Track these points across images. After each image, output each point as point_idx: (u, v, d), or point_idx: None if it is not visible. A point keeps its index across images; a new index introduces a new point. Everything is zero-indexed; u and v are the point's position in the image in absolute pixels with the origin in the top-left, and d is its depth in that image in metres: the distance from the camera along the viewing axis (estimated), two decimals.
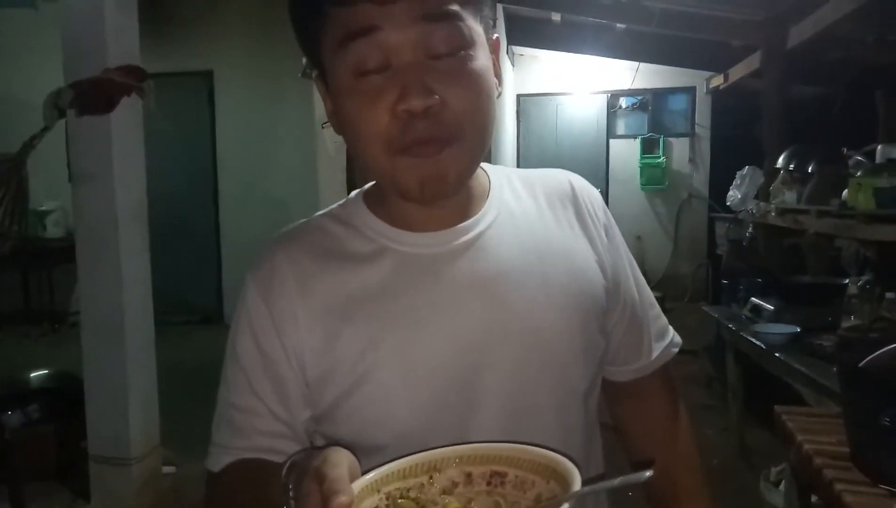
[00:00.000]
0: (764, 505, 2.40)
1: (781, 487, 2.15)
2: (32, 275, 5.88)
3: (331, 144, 2.78)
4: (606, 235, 0.82)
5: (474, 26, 0.67)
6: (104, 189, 2.40)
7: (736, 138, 5.95)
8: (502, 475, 0.55)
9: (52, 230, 5.73)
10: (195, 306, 6.02)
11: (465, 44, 0.66)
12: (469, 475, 0.55)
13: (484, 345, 0.70)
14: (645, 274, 0.89)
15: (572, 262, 0.77)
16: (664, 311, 0.90)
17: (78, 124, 2.39)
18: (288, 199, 5.53)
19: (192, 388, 3.99)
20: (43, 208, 5.68)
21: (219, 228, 6.11)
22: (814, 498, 1.67)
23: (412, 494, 0.53)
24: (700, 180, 6.65)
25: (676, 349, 0.89)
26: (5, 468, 1.91)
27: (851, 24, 3.48)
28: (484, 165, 0.81)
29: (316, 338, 0.71)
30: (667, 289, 5.88)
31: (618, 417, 0.93)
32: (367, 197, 0.79)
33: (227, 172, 6.03)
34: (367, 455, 0.68)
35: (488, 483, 0.55)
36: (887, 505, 1.17)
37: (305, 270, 0.73)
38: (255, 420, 0.72)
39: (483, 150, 0.72)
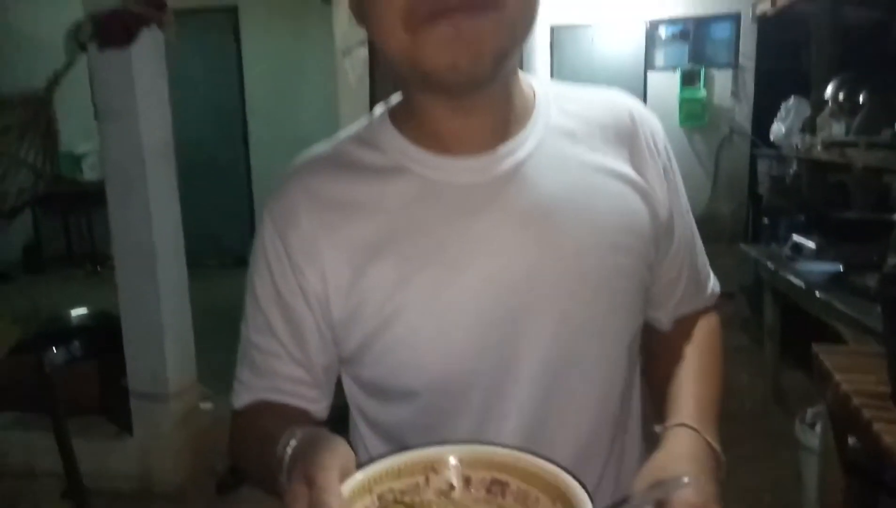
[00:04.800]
0: (799, 447, 2.36)
1: (817, 429, 2.10)
2: (73, 218, 6.02)
3: (352, 74, 2.70)
4: (665, 173, 0.73)
5: None
6: (129, 126, 2.38)
7: (783, 70, 5.65)
8: (504, 484, 0.51)
9: (90, 173, 5.80)
10: (228, 249, 6.09)
11: None
12: (468, 479, 0.51)
13: (525, 289, 0.64)
14: None
15: (624, 200, 0.69)
16: None
17: (99, 60, 2.35)
18: (320, 134, 5.49)
19: (226, 329, 4.08)
20: (79, 152, 5.75)
21: (249, 168, 6.13)
22: (851, 441, 1.63)
23: (406, 498, 0.50)
24: (743, 115, 6.37)
25: (714, 299, 0.86)
26: (48, 402, 1.98)
27: None
28: (531, 77, 0.72)
29: (342, 275, 0.66)
30: (705, 230, 5.67)
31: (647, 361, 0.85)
32: (394, 114, 0.71)
33: (256, 111, 6.01)
34: (400, 400, 0.67)
35: (488, 491, 0.51)
36: None
37: (327, 202, 0.67)
38: (275, 362, 0.69)
39: (527, 30, 0.62)
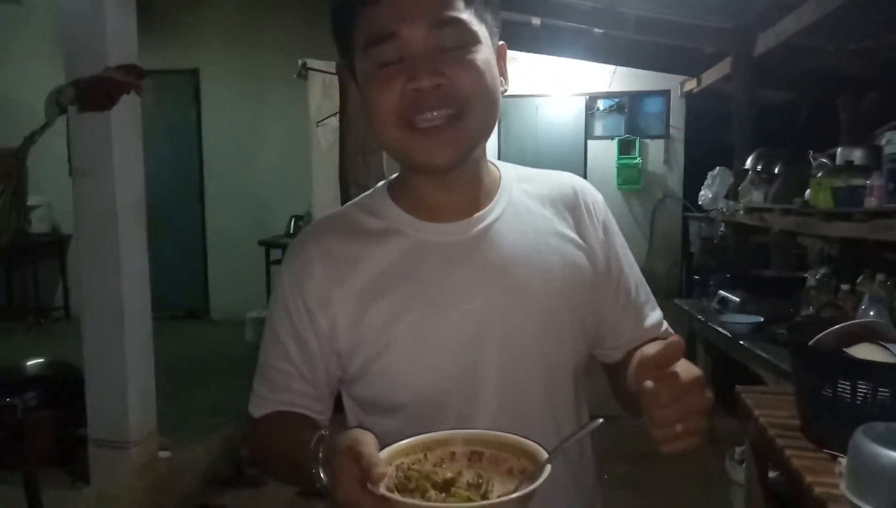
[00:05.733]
0: (729, 483, 2.56)
1: (745, 465, 2.30)
2: (16, 270, 5.88)
3: (324, 141, 2.92)
4: (605, 232, 0.92)
5: (479, 30, 0.79)
6: (104, 184, 2.49)
7: (708, 140, 6.15)
8: (479, 453, 0.71)
9: (38, 225, 5.74)
10: (181, 302, 6.06)
11: (470, 41, 0.78)
12: (453, 453, 0.71)
13: (489, 325, 0.82)
14: None
15: (569, 256, 0.88)
16: None
17: (79, 121, 2.47)
18: (274, 195, 5.61)
19: (178, 380, 4.08)
20: (28, 204, 5.68)
21: (204, 224, 6.15)
22: (772, 474, 1.82)
23: (415, 467, 0.68)
24: (674, 181, 6.83)
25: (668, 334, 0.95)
26: (18, 451, 1.99)
27: (813, 35, 3.65)
28: (496, 161, 0.93)
29: (348, 315, 0.83)
30: None
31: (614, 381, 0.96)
32: (391, 188, 0.90)
33: (213, 170, 6.08)
34: (390, 412, 0.84)
35: (469, 460, 0.71)
36: (829, 468, 1.30)
37: (338, 256, 0.85)
38: (289, 381, 0.86)
39: (490, 128, 0.82)
